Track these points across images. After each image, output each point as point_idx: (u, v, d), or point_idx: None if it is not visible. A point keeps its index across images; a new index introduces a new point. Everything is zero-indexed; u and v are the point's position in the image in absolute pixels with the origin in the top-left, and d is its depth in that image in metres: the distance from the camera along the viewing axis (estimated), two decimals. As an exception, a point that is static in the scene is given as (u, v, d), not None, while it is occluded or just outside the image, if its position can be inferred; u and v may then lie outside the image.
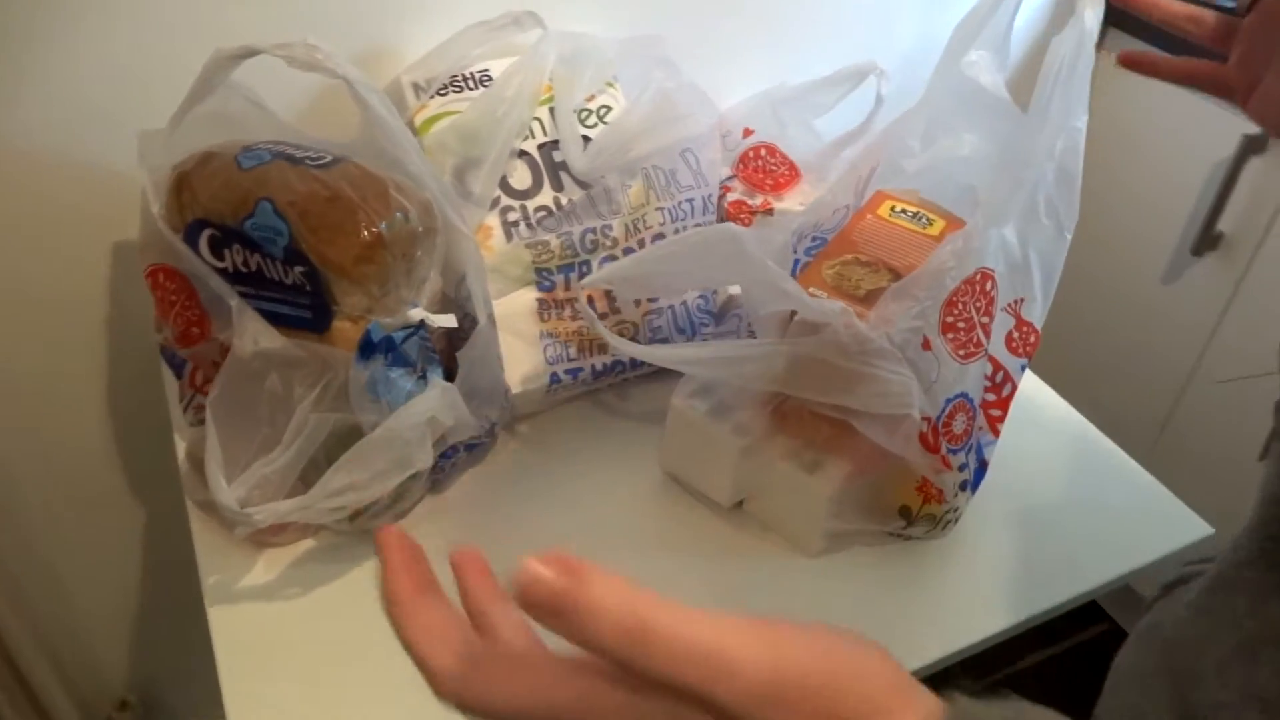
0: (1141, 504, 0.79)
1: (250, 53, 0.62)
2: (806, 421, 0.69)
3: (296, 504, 0.58)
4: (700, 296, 0.81)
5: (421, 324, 0.67)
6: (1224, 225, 1.13)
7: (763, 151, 0.93)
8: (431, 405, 0.60)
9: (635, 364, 0.80)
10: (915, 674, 0.29)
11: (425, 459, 0.61)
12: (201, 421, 0.75)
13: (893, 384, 0.63)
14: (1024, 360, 0.74)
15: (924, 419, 0.64)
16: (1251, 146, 1.07)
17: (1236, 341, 1.16)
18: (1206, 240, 1.14)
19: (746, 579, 0.72)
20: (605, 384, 0.82)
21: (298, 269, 0.65)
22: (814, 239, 0.75)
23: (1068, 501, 0.78)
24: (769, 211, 0.90)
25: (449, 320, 0.69)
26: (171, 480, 0.81)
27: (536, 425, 0.82)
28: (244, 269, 0.67)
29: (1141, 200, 1.23)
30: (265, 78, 0.68)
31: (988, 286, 0.71)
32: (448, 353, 0.71)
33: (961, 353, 0.69)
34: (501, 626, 0.33)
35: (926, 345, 0.67)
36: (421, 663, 0.31)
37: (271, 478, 0.60)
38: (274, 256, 0.65)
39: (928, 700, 0.28)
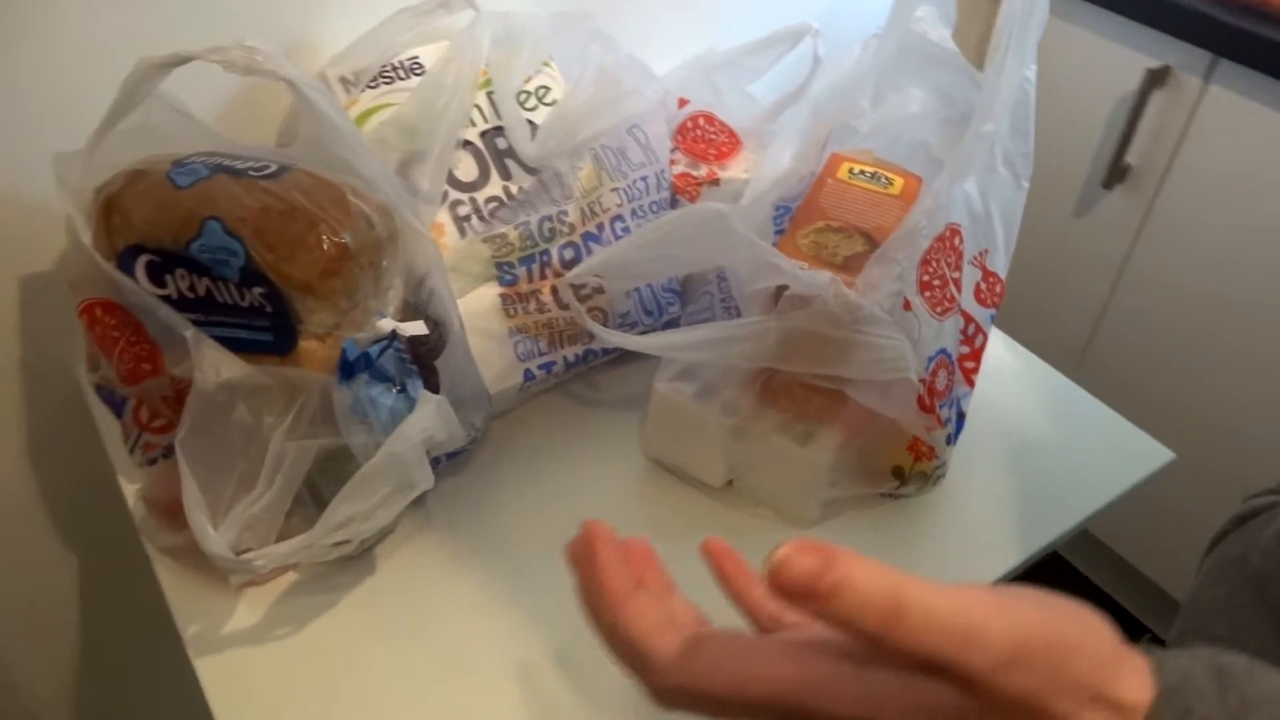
0: (1105, 436, 0.81)
1: (180, 60, 0.57)
2: (797, 394, 0.69)
3: (300, 544, 0.54)
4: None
5: (394, 335, 0.63)
6: (1131, 158, 1.17)
7: (701, 121, 0.91)
8: (428, 422, 0.57)
9: (606, 351, 0.78)
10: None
11: (427, 479, 0.58)
12: (152, 461, 0.70)
13: (887, 349, 0.63)
14: (992, 310, 0.75)
15: (920, 381, 0.64)
16: (1154, 80, 1.11)
17: (1147, 269, 1.22)
18: (1115, 173, 1.18)
19: (746, 556, 0.71)
20: (575, 374, 0.80)
21: (256, 290, 0.60)
22: (778, 209, 0.74)
23: (1038, 441, 0.81)
24: (715, 182, 0.89)
25: (419, 328, 0.65)
26: (119, 529, 0.75)
27: (507, 424, 0.79)
28: (190, 295, 0.62)
29: (1051, 136, 1.27)
30: (172, 84, 0.63)
31: (956, 241, 0.72)
32: (416, 362, 0.68)
33: (939, 310, 0.70)
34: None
35: (907, 306, 0.67)
36: (643, 656, 0.32)
37: (261, 516, 0.56)
38: (226, 279, 0.60)
39: (1138, 658, 0.30)
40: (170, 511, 0.67)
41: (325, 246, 0.59)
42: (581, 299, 0.76)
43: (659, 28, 0.98)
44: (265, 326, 0.61)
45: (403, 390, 0.63)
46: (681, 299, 0.81)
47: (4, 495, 0.86)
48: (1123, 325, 1.26)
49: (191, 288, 0.61)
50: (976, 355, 0.74)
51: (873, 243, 0.69)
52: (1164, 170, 1.15)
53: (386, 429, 0.60)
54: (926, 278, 0.69)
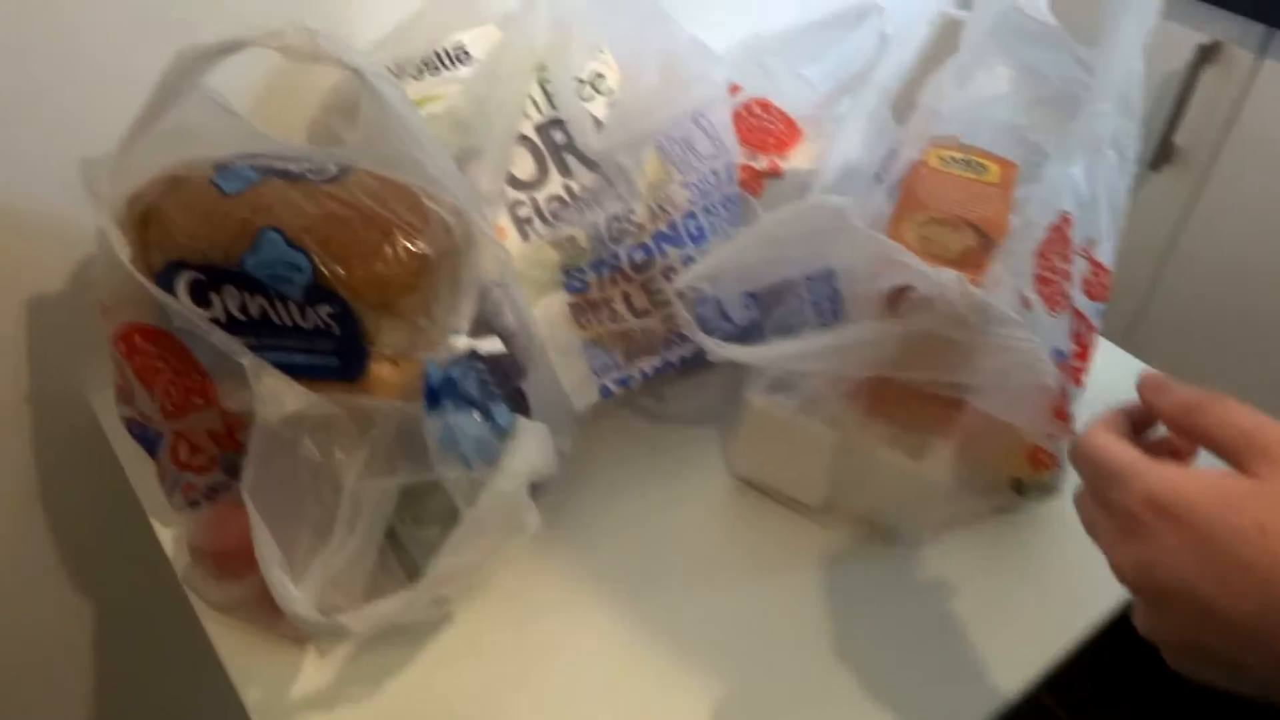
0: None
1: (231, 46, 0.50)
2: (909, 404, 0.63)
3: (401, 603, 0.47)
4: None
5: (473, 354, 0.56)
6: (1179, 138, 1.13)
7: (755, 108, 0.85)
8: (533, 452, 0.50)
9: (684, 362, 0.72)
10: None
11: (534, 518, 0.51)
12: (194, 504, 0.63)
13: (1021, 352, 0.57)
14: (1102, 305, 0.70)
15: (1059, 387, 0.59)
16: (1204, 56, 1.07)
17: (1196, 252, 1.18)
18: (1163, 153, 1.14)
19: (851, 582, 0.65)
20: (646, 388, 0.73)
21: (322, 309, 0.53)
22: (870, 200, 0.68)
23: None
24: (777, 174, 0.83)
25: (496, 345, 0.58)
26: (147, 578, 0.68)
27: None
28: (241, 316, 0.54)
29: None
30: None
31: (1068, 231, 0.66)
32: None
33: (1053, 306, 0.64)
34: None
35: (1026, 304, 0.62)
36: None
37: (345, 569, 0.49)
38: (287, 297, 0.53)
39: None
40: (222, 561, 0.59)
41: (403, 256, 0.52)
42: (658, 305, 0.70)
43: (701, 8, 0.91)
44: (331, 350, 0.54)
45: (489, 417, 0.56)
46: (758, 303, 0.75)
47: (14, 540, 0.77)
48: (1170, 309, 1.22)
49: (243, 308, 0.54)
50: (1085, 353, 0.69)
51: (982, 235, 0.64)
52: (1214, 151, 1.11)
53: (477, 462, 0.53)
54: (1042, 271, 0.64)
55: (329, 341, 0.54)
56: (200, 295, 0.54)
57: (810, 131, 0.85)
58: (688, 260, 0.71)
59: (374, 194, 0.53)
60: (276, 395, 0.53)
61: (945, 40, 0.82)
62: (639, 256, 0.70)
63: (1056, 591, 0.65)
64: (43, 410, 0.73)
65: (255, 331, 0.54)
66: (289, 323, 0.54)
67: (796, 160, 0.84)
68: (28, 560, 0.79)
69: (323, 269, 0.51)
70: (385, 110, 0.53)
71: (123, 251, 0.52)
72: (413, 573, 0.56)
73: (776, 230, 0.55)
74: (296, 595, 0.47)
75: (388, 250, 0.52)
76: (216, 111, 0.57)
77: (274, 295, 0.53)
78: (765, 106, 0.86)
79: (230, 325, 0.54)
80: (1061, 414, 0.60)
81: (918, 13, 0.82)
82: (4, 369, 0.71)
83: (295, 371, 0.54)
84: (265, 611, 0.57)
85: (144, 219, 0.54)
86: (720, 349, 0.56)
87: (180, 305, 0.53)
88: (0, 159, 0.64)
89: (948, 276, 0.56)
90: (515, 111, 0.68)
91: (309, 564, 0.50)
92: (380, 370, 0.54)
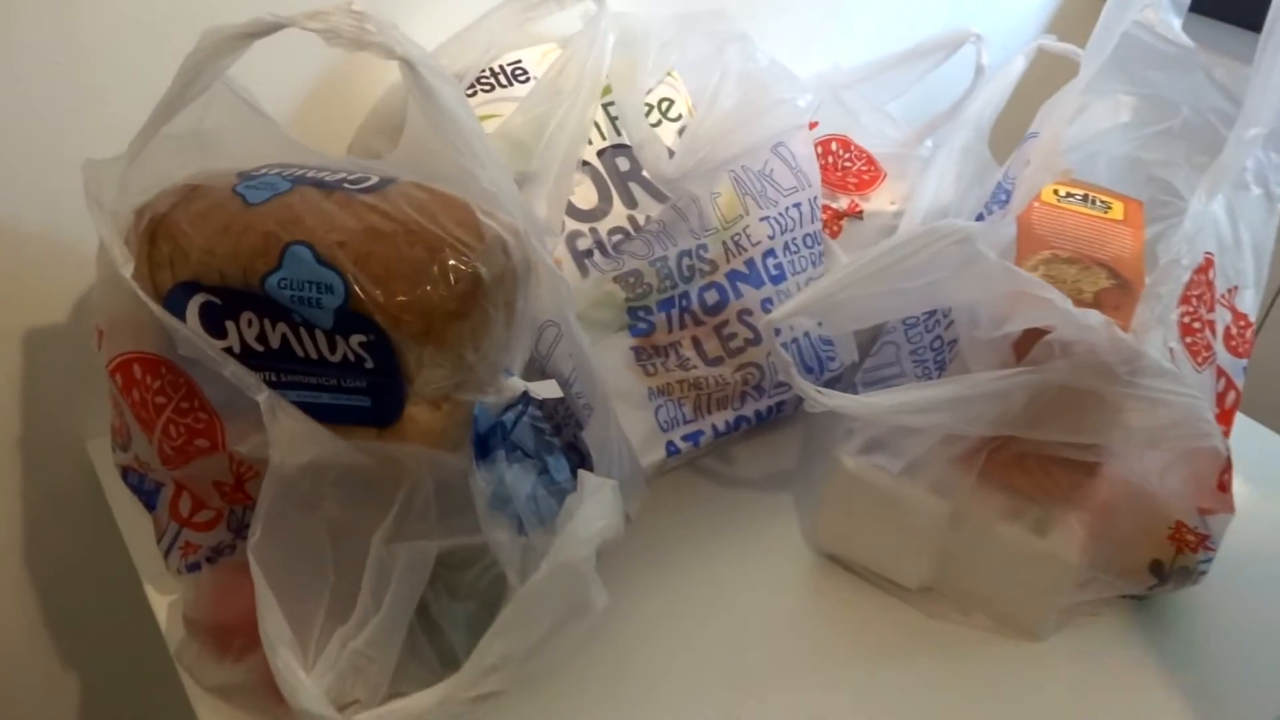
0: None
1: (264, 28, 0.42)
2: (1035, 471, 0.54)
3: (436, 698, 0.37)
4: (820, 323, 0.65)
5: (526, 398, 0.48)
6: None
7: (835, 146, 0.78)
8: (603, 516, 0.41)
9: (760, 417, 0.63)
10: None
11: (603, 596, 0.42)
12: (194, 567, 0.54)
13: (1181, 410, 0.48)
14: (1244, 361, 0.61)
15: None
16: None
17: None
18: None
19: (956, 680, 0.55)
20: (716, 447, 0.64)
21: (354, 339, 0.45)
22: (978, 238, 0.60)
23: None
24: (858, 215, 0.75)
25: (553, 389, 0.50)
26: (147, 656, 0.59)
27: (630, 510, 0.63)
28: (259, 347, 0.46)
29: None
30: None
31: (1211, 274, 0.58)
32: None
33: (1199, 359, 0.55)
34: None
35: (1171, 355, 0.53)
36: None
37: (368, 653, 0.40)
38: (314, 325, 0.45)
39: None
40: (221, 637, 0.51)
41: (453, 279, 0.44)
42: (732, 353, 0.61)
43: (777, 38, 0.85)
44: (361, 388, 0.46)
45: (545, 472, 0.47)
46: (841, 351, 0.66)
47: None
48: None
49: (261, 337, 0.46)
50: (1228, 416, 0.59)
51: (1116, 276, 0.55)
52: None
53: (531, 525, 0.44)
54: (1187, 319, 0.55)
55: (360, 377, 0.46)
56: (213, 321, 0.46)
57: (893, 171, 0.78)
58: (766, 303, 0.63)
59: (421, 206, 0.46)
60: (295, 439, 0.44)
61: (1039, 70, 0.74)
62: (711, 297, 0.62)
63: (1201, 696, 0.55)
64: (34, 455, 0.65)
65: (275, 365, 0.46)
66: (314, 355, 0.46)
67: (878, 201, 0.76)
68: (6, 621, 0.70)
69: (358, 290, 0.43)
70: (438, 112, 0.46)
71: (126, 267, 0.44)
72: (448, 660, 0.46)
73: (892, 260, 0.46)
74: (307, 685, 0.38)
75: (434, 270, 0.44)
76: (243, 114, 0.50)
77: (299, 322, 0.45)
78: (845, 144, 0.78)
79: (246, 357, 0.46)
80: (1224, 485, 0.51)
81: (1013, 44, 0.75)
82: (-7, 409, 0.63)
83: (319, 413, 0.46)
84: (268, 699, 0.48)
85: (152, 232, 0.46)
86: (824, 397, 0.48)
87: (190, 332, 0.45)
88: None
89: (1094, 319, 0.47)
90: (578, 133, 0.61)
91: (324, 646, 0.41)
92: (418, 413, 0.46)
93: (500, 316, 0.46)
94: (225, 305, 0.46)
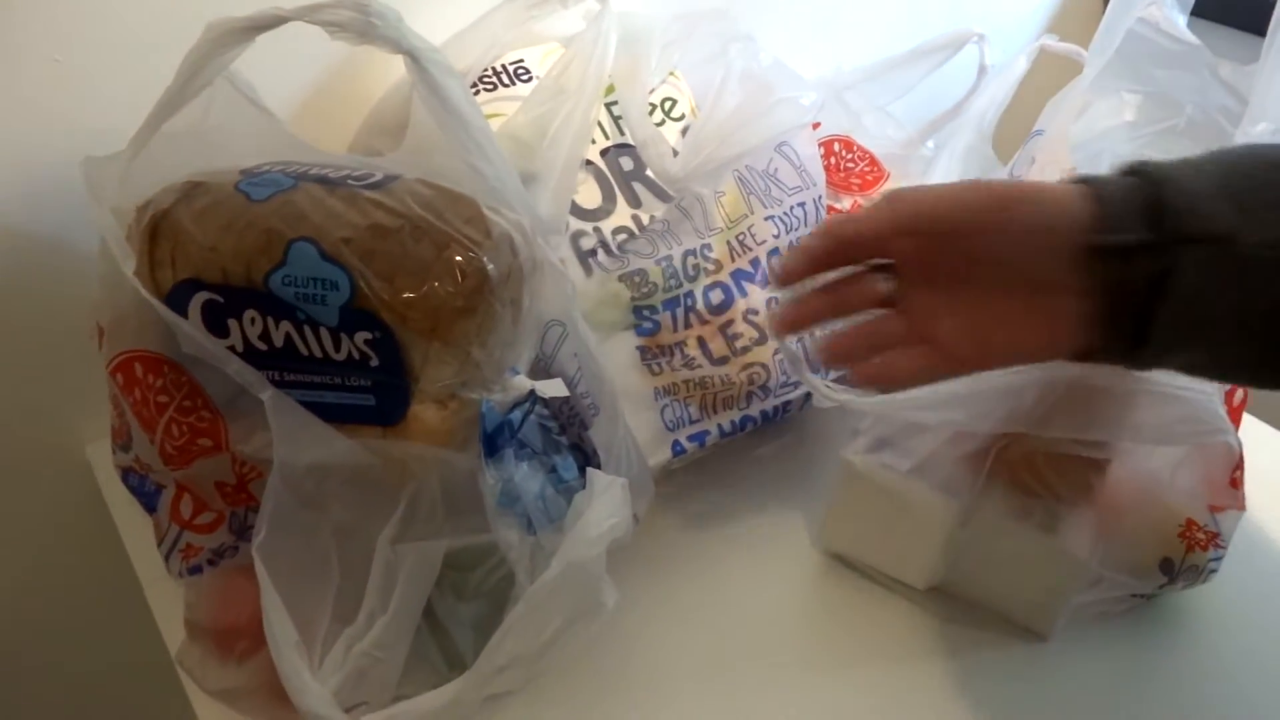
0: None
1: (269, 22, 0.42)
2: (1043, 468, 0.53)
3: (447, 699, 0.37)
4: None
5: (533, 396, 0.47)
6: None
7: (837, 147, 0.78)
8: (614, 513, 0.40)
9: (766, 418, 0.62)
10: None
11: (613, 594, 0.41)
12: (195, 570, 0.53)
13: (1191, 404, 0.48)
14: (1252, 359, 0.60)
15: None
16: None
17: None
18: None
19: (964, 681, 0.55)
20: (720, 448, 0.64)
21: (359, 336, 0.44)
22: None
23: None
24: (861, 215, 0.74)
25: (559, 388, 0.50)
26: (146, 658, 0.58)
27: (634, 511, 0.63)
28: (262, 345, 0.46)
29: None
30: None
31: (1218, 272, 0.57)
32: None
33: (1207, 357, 0.55)
34: None
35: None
36: None
37: (375, 655, 0.39)
38: (319, 323, 0.44)
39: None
40: (223, 640, 0.50)
41: (460, 275, 0.44)
42: (737, 352, 0.61)
43: (779, 35, 0.84)
44: (366, 386, 0.46)
45: (553, 470, 0.47)
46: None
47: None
48: None
49: (265, 335, 0.45)
50: (1236, 414, 0.59)
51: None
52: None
53: (540, 523, 0.44)
54: (1195, 317, 0.55)
55: (365, 375, 0.45)
56: (215, 320, 0.46)
57: (896, 171, 0.77)
58: (771, 302, 0.62)
59: (427, 203, 0.45)
60: (300, 438, 0.44)
61: (1042, 70, 0.74)
62: (716, 297, 0.61)
63: (1210, 695, 0.55)
64: (32, 459, 0.64)
65: (278, 364, 0.46)
66: (318, 353, 0.45)
67: (881, 201, 0.76)
68: (4, 628, 0.69)
69: (364, 287, 0.43)
70: (443, 107, 0.45)
71: (127, 264, 0.44)
72: (454, 661, 0.46)
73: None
74: (314, 687, 0.37)
75: (441, 266, 0.43)
76: (246, 111, 0.49)
77: (303, 320, 0.44)
78: (848, 145, 0.78)
79: (249, 356, 0.46)
80: (1235, 482, 0.50)
81: (1015, 44, 0.75)
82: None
83: (323, 412, 0.46)
84: (272, 703, 0.47)
85: (154, 229, 0.46)
86: (833, 392, 0.47)
87: (192, 330, 0.44)
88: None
89: (1103, 314, 0.47)
90: (582, 132, 0.60)
91: (330, 647, 0.40)
92: (423, 412, 0.46)
93: (507, 314, 0.46)
94: (227, 303, 0.45)
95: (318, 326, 0.45)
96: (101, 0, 0.55)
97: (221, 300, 0.45)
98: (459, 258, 0.44)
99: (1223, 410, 0.48)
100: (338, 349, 0.45)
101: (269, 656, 0.47)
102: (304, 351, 0.45)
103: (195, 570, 0.53)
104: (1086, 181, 0.39)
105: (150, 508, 0.54)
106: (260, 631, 0.48)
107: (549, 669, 0.51)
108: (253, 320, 0.45)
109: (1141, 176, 0.38)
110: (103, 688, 0.75)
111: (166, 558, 0.54)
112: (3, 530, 0.66)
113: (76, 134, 0.56)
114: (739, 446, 0.64)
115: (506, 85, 0.63)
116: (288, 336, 0.45)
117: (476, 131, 0.47)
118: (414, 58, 0.44)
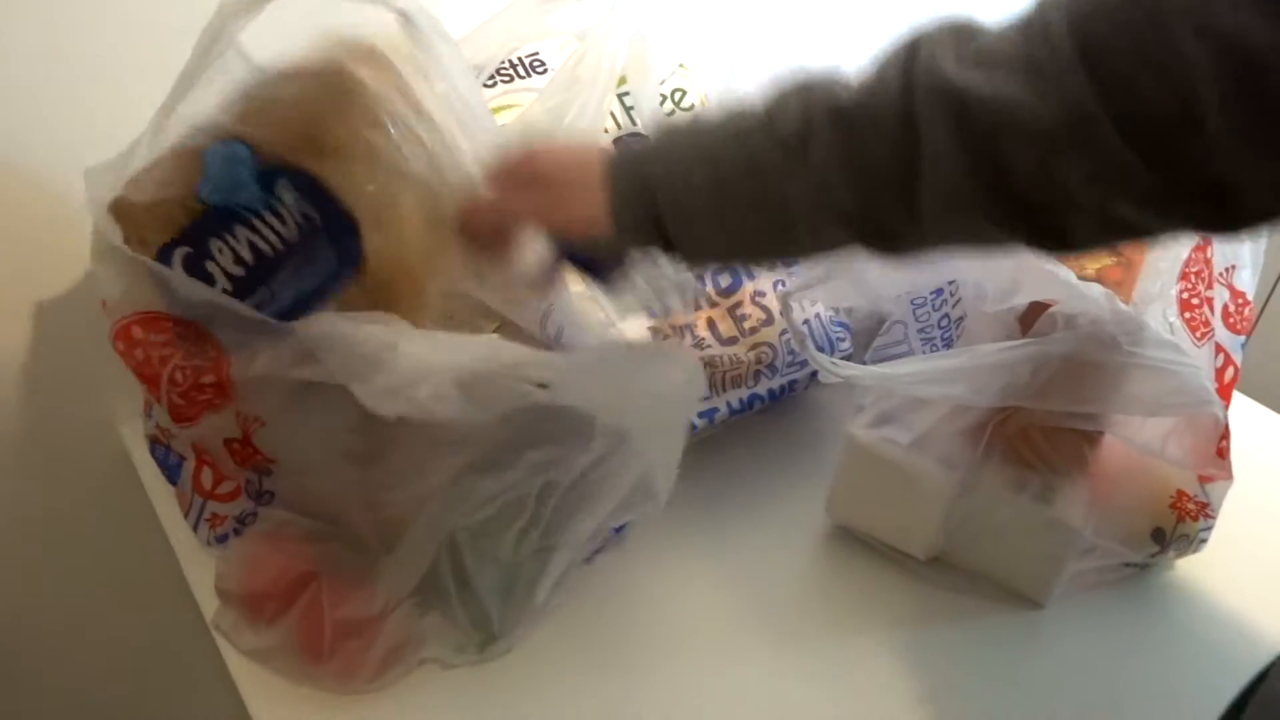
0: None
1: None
2: (1039, 441, 0.55)
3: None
4: (831, 308, 0.67)
5: None
6: None
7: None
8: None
9: (773, 395, 0.65)
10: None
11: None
12: (223, 538, 0.56)
13: (1181, 378, 0.50)
14: (1242, 338, 0.63)
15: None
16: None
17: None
18: None
19: (963, 648, 0.57)
20: (731, 424, 0.66)
21: (287, 196, 0.48)
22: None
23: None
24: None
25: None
26: (182, 625, 0.60)
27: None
28: (238, 269, 0.49)
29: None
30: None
31: (1209, 252, 0.60)
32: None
33: (1198, 334, 0.57)
34: None
35: (1169, 330, 0.55)
36: None
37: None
38: (253, 211, 0.48)
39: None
40: (253, 604, 0.52)
41: (333, 94, 0.47)
42: (745, 333, 0.63)
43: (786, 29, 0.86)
44: (322, 244, 0.49)
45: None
46: (850, 332, 0.68)
47: (36, 578, 0.71)
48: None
49: (237, 259, 0.49)
50: (1227, 391, 0.61)
51: (1119, 254, 0.57)
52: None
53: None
54: (1186, 295, 0.57)
55: (317, 237, 0.48)
56: (197, 268, 0.49)
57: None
58: (778, 285, 0.65)
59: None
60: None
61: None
62: (725, 279, 0.64)
63: (1200, 659, 0.57)
64: (67, 438, 0.67)
65: (261, 278, 0.49)
66: (280, 245, 0.49)
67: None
68: (49, 596, 0.72)
69: (261, 148, 0.47)
70: (433, 65, 0.48)
71: (115, 235, 0.47)
72: (480, 624, 0.48)
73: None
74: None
75: (327, 101, 0.47)
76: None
77: (246, 217, 0.48)
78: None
79: (239, 290, 0.49)
80: (1222, 452, 0.53)
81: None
82: (27, 393, 0.65)
83: (314, 299, 0.49)
84: (303, 660, 0.50)
85: (117, 215, 0.48)
86: (837, 368, 0.50)
87: (188, 282, 0.48)
88: (28, 159, 0.59)
89: (1096, 291, 0.49)
90: (595, 120, 0.62)
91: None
92: (374, 241, 0.48)
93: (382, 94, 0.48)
94: (196, 249, 0.48)
95: (261, 218, 0.48)
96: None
97: (191, 250, 0.48)
98: (331, 82, 0.47)
99: (1210, 384, 0.50)
100: (287, 227, 0.48)
101: (296, 618, 0.50)
102: (269, 250, 0.49)
103: (223, 539, 0.56)
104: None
105: (172, 480, 0.57)
106: (287, 594, 0.51)
107: (561, 629, 0.54)
108: (220, 250, 0.48)
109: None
110: (148, 653, 0.77)
111: (195, 528, 0.57)
112: (39, 509, 0.69)
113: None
114: (748, 423, 0.66)
115: (523, 77, 0.65)
116: (251, 245, 0.48)
117: (465, 90, 0.50)
118: (405, 19, 0.46)
